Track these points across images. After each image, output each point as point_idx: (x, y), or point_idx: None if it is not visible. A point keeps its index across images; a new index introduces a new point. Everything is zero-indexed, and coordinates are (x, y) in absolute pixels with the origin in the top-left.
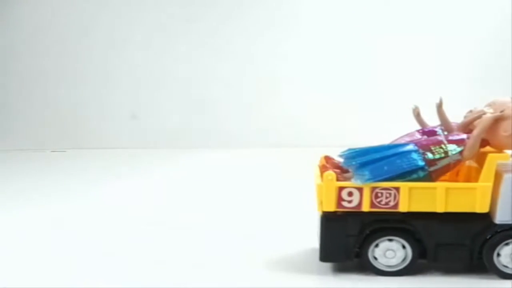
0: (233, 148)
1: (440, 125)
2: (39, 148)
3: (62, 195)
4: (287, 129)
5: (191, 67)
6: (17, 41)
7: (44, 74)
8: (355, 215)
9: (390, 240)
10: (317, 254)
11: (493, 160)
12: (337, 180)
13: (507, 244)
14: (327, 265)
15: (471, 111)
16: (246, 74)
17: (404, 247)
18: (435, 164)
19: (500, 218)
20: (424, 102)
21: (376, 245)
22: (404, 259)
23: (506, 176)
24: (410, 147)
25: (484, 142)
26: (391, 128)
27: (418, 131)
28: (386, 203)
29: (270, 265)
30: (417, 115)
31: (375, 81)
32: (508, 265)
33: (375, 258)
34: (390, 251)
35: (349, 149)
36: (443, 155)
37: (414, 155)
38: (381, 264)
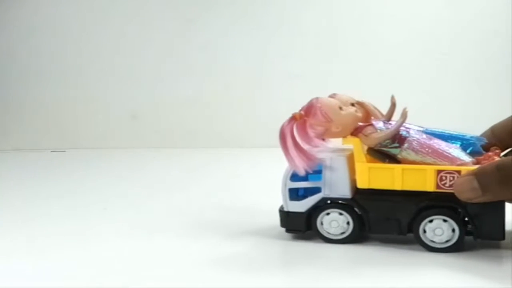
0: (233, 148)
1: None
2: (39, 148)
3: (62, 195)
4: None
5: (191, 67)
6: (17, 41)
7: (43, 74)
8: None
9: None
10: None
11: None
12: None
13: None
14: None
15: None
16: (247, 74)
17: None
18: None
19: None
20: None
21: None
22: None
23: None
24: None
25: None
26: None
27: None
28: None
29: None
30: None
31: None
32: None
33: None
34: None
35: None
36: None
37: None
38: None
